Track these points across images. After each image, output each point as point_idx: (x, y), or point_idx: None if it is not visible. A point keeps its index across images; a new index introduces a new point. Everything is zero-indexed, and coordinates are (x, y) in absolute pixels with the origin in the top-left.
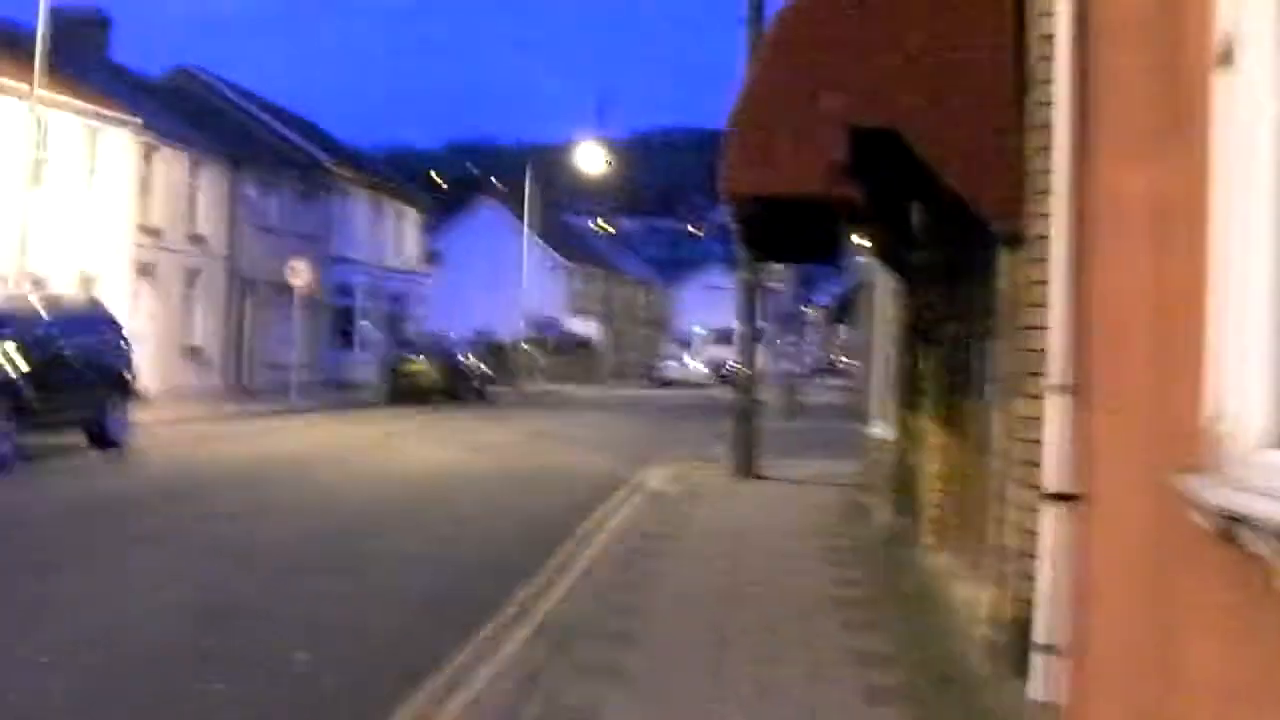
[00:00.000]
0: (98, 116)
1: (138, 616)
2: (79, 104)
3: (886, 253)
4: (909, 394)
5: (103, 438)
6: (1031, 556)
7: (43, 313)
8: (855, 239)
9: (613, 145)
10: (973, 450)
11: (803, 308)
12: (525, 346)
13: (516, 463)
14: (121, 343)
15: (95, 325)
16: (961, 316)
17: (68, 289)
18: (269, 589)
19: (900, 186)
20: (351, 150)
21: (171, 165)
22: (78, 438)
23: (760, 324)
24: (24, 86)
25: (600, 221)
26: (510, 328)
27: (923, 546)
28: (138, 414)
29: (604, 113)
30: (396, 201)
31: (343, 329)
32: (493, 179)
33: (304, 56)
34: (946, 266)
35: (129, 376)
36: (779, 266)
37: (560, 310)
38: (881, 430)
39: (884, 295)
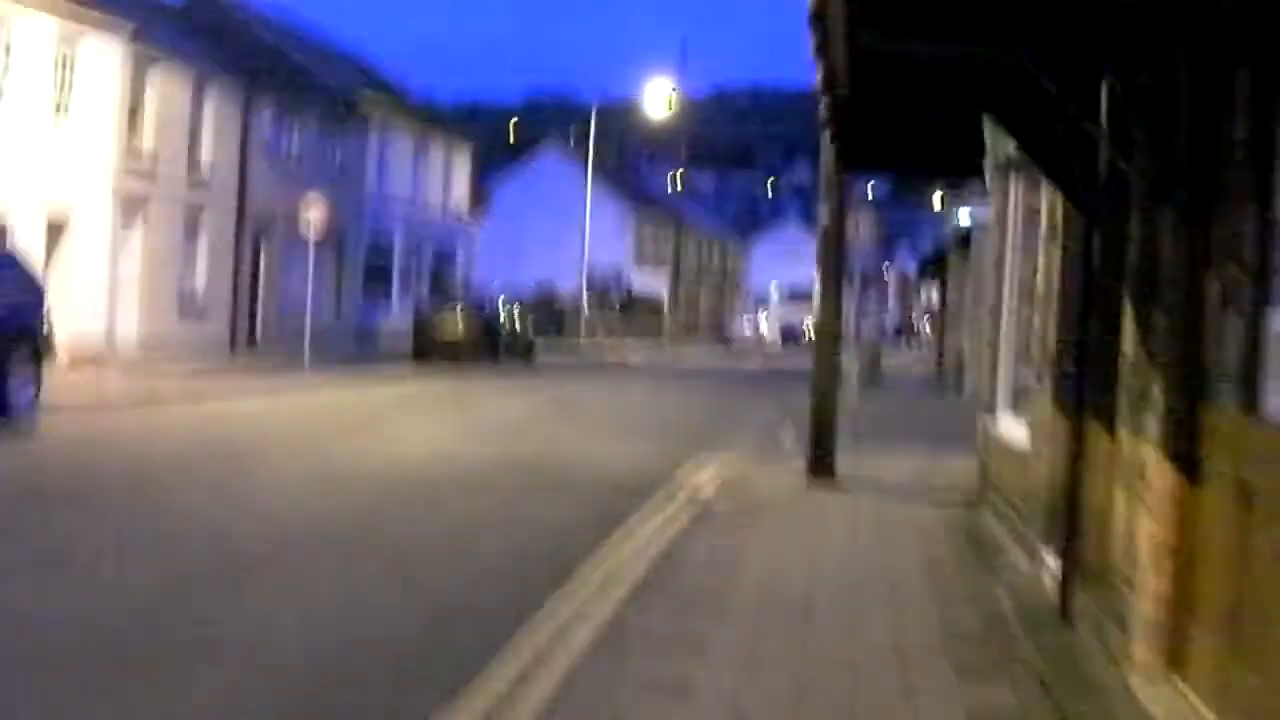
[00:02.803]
0: (74, 17)
1: None
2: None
3: (1054, 160)
4: (1088, 388)
5: None
6: None
7: None
8: (997, 135)
9: (691, 100)
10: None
11: (883, 266)
12: (584, 303)
13: (527, 450)
14: (31, 290)
15: None
16: (1231, 262)
17: (30, 226)
18: None
19: (1091, 37)
20: (394, 82)
21: (170, 86)
22: None
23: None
24: None
25: (674, 176)
26: (572, 282)
27: (1127, 661)
28: (93, 375)
29: (684, 66)
30: (445, 140)
31: (377, 278)
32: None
33: (386, 8)
34: (1189, 176)
35: (39, 332)
36: (863, 217)
37: (626, 265)
38: (1015, 429)
39: (1020, 236)
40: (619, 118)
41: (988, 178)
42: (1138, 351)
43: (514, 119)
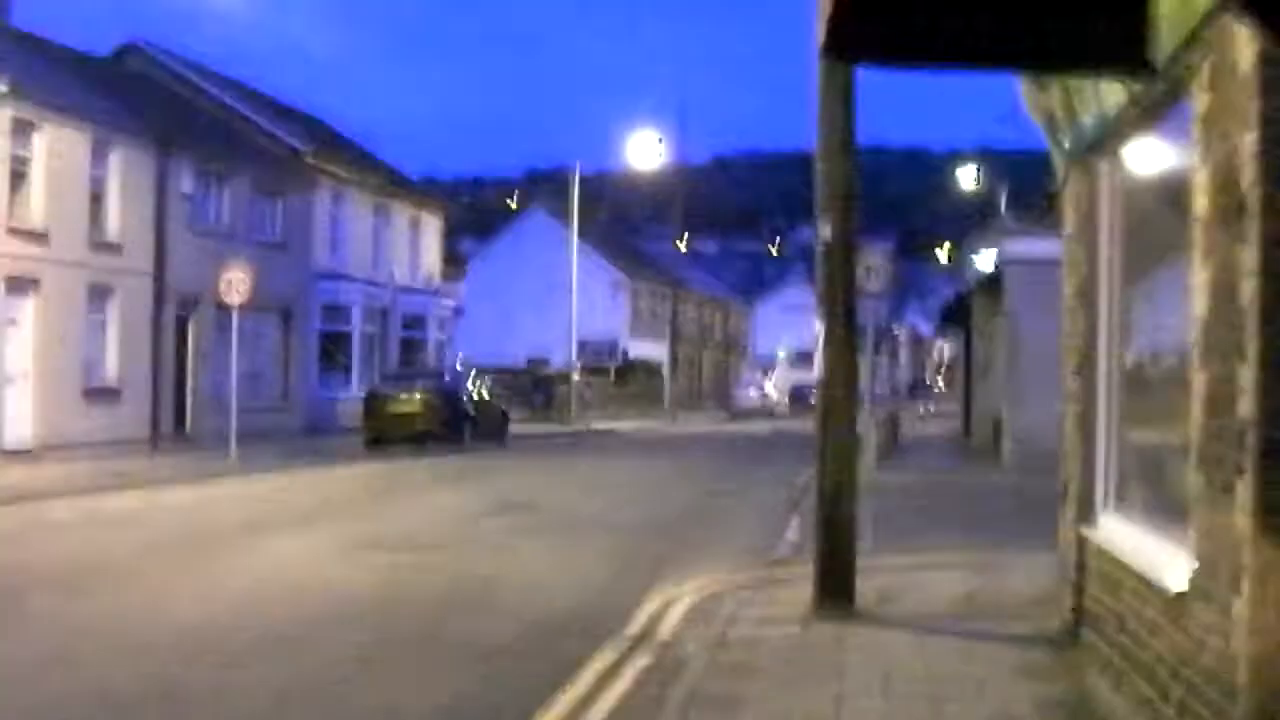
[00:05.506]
0: None
1: None
2: None
3: None
4: None
5: None
6: None
7: None
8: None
9: (691, 166)
10: None
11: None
12: (576, 375)
13: (439, 575)
14: None
15: None
16: None
17: None
18: None
19: None
20: (354, 144)
21: (62, 148)
22: None
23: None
24: None
25: (676, 243)
26: (565, 352)
27: None
28: None
29: (684, 132)
30: (412, 207)
31: (335, 355)
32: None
33: (386, 91)
34: None
35: None
36: (873, 261)
37: (622, 331)
38: (1143, 543)
39: (1126, 247)
40: (615, 183)
41: (1060, 156)
42: None
43: (514, 191)
